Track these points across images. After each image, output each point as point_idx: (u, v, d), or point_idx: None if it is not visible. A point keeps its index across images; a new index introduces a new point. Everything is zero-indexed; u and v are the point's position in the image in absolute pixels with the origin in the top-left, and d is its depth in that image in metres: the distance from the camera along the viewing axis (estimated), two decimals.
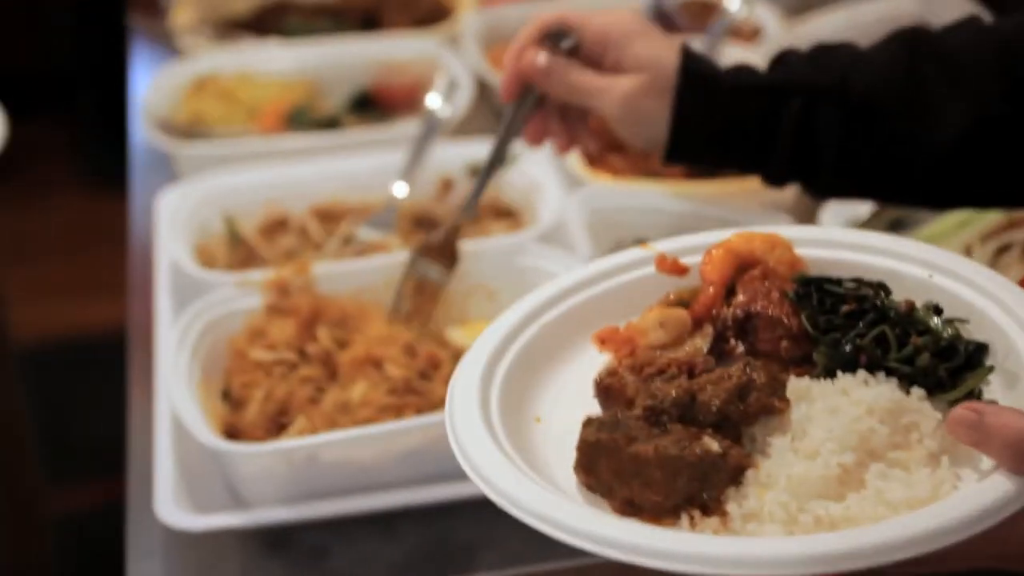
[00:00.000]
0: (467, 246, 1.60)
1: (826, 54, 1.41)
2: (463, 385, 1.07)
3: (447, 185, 1.80)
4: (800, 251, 1.17)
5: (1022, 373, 1.03)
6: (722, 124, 1.41)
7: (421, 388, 1.44)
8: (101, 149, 2.86)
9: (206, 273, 1.60)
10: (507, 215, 1.76)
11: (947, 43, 1.36)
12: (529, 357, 1.14)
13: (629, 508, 0.99)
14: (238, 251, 1.72)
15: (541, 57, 1.44)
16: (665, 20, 2.18)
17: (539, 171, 1.75)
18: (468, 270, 1.58)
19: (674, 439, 1.00)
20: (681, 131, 1.40)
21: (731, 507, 0.97)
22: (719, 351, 1.12)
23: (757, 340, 1.12)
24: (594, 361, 1.14)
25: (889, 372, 1.06)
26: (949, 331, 1.08)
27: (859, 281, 1.14)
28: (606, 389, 1.10)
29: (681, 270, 1.20)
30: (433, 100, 1.85)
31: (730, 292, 1.15)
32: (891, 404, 1.01)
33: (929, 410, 1.01)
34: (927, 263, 1.15)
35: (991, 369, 1.05)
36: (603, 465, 1.01)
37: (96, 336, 3.21)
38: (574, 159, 1.74)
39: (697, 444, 1.00)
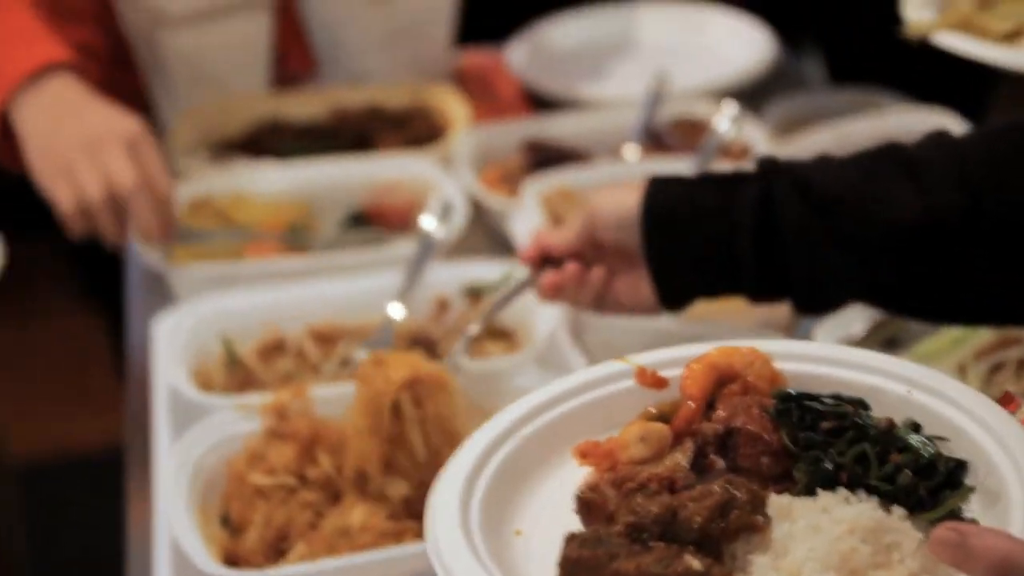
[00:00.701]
0: (465, 367, 1.61)
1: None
2: (443, 499, 1.08)
3: (443, 306, 1.81)
4: (779, 366, 1.19)
5: (1002, 491, 1.03)
6: (688, 208, 1.45)
7: (421, 512, 1.44)
8: (98, 269, 2.85)
9: (204, 397, 1.60)
10: (503, 336, 1.76)
11: (908, 148, 1.40)
12: (509, 471, 1.14)
13: None
14: (236, 374, 1.72)
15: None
16: (655, 140, 2.21)
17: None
18: (465, 392, 1.58)
19: (656, 557, 1.01)
20: (651, 217, 1.46)
21: None
22: (699, 466, 1.13)
23: (738, 456, 1.12)
24: (575, 475, 1.14)
25: (870, 490, 1.06)
26: (929, 449, 1.08)
27: (838, 397, 1.15)
28: (587, 504, 1.10)
29: (661, 383, 1.22)
30: (428, 221, 1.87)
31: (710, 406, 1.17)
32: (872, 523, 1.01)
33: (910, 529, 1.02)
34: (905, 379, 1.16)
35: (972, 489, 1.05)
36: None
37: (93, 456, 3.19)
38: None
39: (679, 562, 1.00)
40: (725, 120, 2.06)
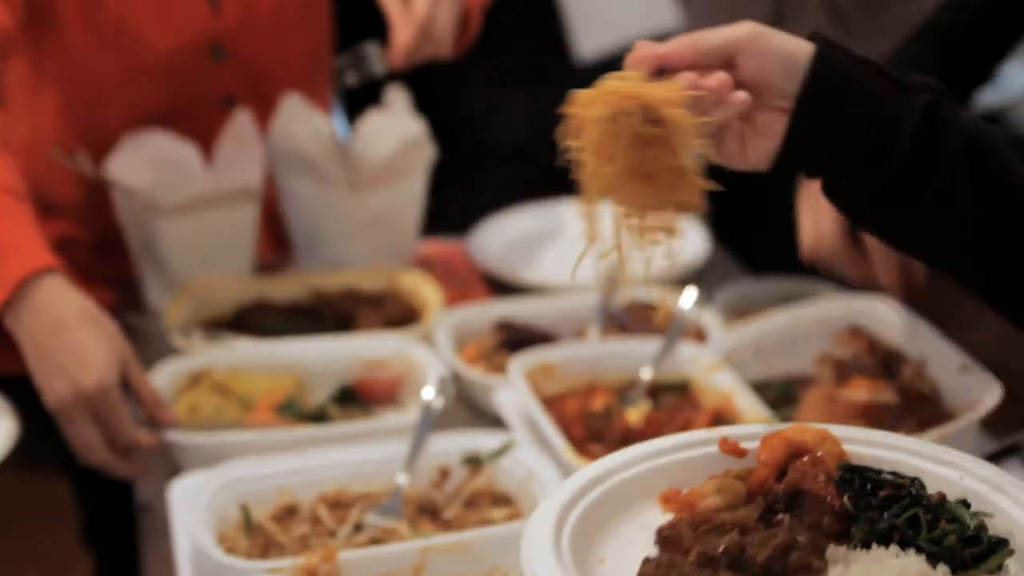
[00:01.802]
0: (474, 535, 1.56)
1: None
2: (540, 525, 1.13)
3: (444, 473, 1.75)
4: (846, 448, 1.23)
5: None
6: (859, 80, 1.24)
7: None
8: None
9: (233, 560, 1.51)
10: (505, 502, 1.71)
11: None
12: (601, 506, 1.20)
13: None
14: (255, 538, 1.63)
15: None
16: (615, 322, 2.20)
17: (533, 460, 1.72)
18: (479, 554, 1.52)
19: None
20: (821, 72, 1.23)
21: None
22: (768, 521, 1.17)
23: (803, 514, 1.16)
24: (658, 518, 1.21)
25: (919, 550, 1.10)
26: (975, 521, 1.12)
27: (896, 473, 1.19)
28: (666, 538, 1.17)
29: (741, 452, 1.27)
30: (428, 393, 1.82)
31: (781, 475, 1.21)
32: (918, 575, 1.07)
33: None
34: (959, 467, 1.20)
35: (1012, 552, 1.09)
36: None
37: None
38: (565, 449, 1.71)
39: None
40: (688, 304, 2.06)
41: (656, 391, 1.94)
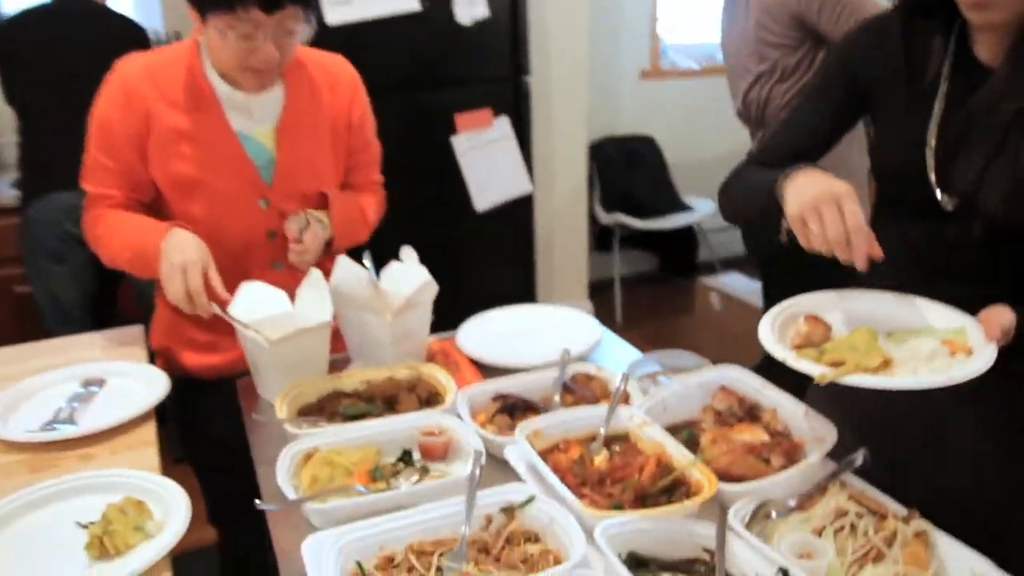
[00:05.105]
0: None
1: None
2: None
3: (489, 519, 1.47)
4: None
5: None
6: None
7: None
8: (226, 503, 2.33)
9: None
10: (535, 539, 1.44)
11: None
12: None
13: None
14: None
15: None
16: (567, 389, 1.95)
17: (553, 509, 1.45)
18: None
19: None
20: None
21: None
22: None
23: None
24: None
25: None
26: None
27: None
28: None
29: None
30: (471, 465, 1.56)
31: None
32: None
33: None
34: None
35: None
36: None
37: None
38: (576, 503, 1.45)
39: None
40: (618, 379, 1.83)
41: (607, 441, 1.69)
